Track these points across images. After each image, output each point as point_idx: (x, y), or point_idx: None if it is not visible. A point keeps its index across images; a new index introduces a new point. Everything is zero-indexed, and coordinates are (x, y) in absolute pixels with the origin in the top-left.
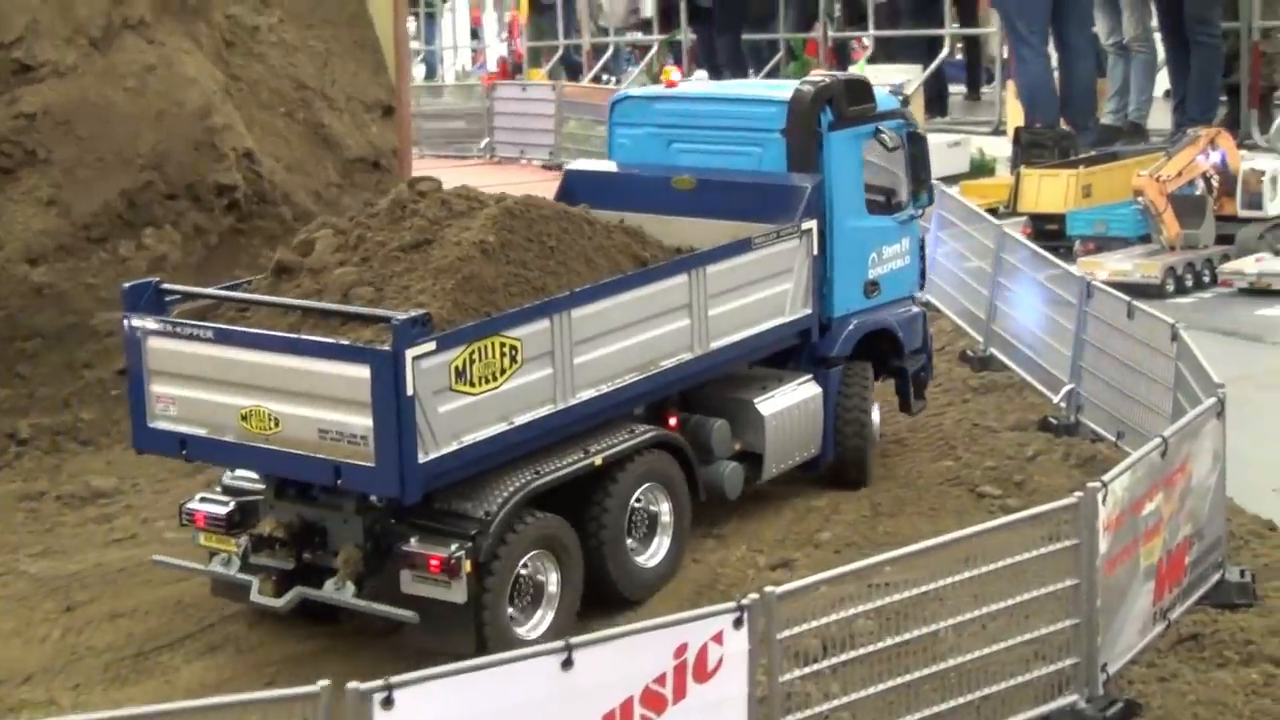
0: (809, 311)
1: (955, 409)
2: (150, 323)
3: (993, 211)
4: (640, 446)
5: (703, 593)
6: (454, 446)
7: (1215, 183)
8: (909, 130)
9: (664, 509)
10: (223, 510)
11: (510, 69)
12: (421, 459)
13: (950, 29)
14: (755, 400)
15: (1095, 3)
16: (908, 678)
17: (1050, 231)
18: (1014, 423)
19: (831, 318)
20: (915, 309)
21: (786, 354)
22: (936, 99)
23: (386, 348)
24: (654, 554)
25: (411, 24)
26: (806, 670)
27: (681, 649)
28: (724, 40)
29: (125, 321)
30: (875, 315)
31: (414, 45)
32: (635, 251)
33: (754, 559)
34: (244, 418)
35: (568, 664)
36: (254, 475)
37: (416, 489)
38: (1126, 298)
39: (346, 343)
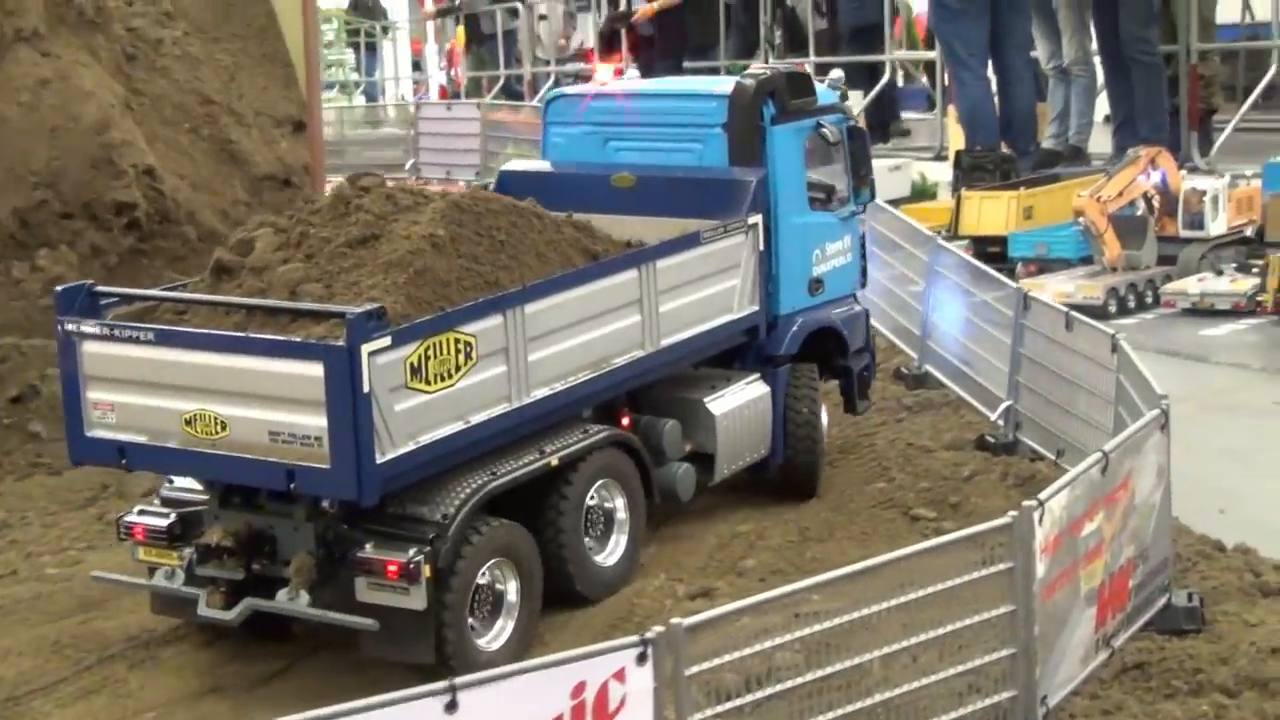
0: (756, 308)
1: (889, 429)
2: (86, 326)
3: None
4: (595, 446)
5: (617, 625)
6: (410, 447)
7: (1156, 203)
8: (849, 125)
9: (619, 505)
10: (163, 522)
11: (451, 98)
12: (379, 459)
13: (891, 55)
14: (705, 400)
15: (1034, 27)
16: (834, 714)
17: (992, 254)
18: (950, 442)
19: (778, 315)
20: (858, 307)
21: (731, 354)
22: (879, 126)
23: (340, 343)
24: (612, 552)
25: (351, 55)
26: (720, 709)
27: (579, 688)
28: (665, 68)
29: (59, 326)
30: (820, 313)
31: (354, 76)
32: (586, 246)
33: (673, 588)
34: (188, 422)
35: (451, 706)
36: (195, 485)
37: (374, 491)
38: (1065, 308)
39: (298, 339)
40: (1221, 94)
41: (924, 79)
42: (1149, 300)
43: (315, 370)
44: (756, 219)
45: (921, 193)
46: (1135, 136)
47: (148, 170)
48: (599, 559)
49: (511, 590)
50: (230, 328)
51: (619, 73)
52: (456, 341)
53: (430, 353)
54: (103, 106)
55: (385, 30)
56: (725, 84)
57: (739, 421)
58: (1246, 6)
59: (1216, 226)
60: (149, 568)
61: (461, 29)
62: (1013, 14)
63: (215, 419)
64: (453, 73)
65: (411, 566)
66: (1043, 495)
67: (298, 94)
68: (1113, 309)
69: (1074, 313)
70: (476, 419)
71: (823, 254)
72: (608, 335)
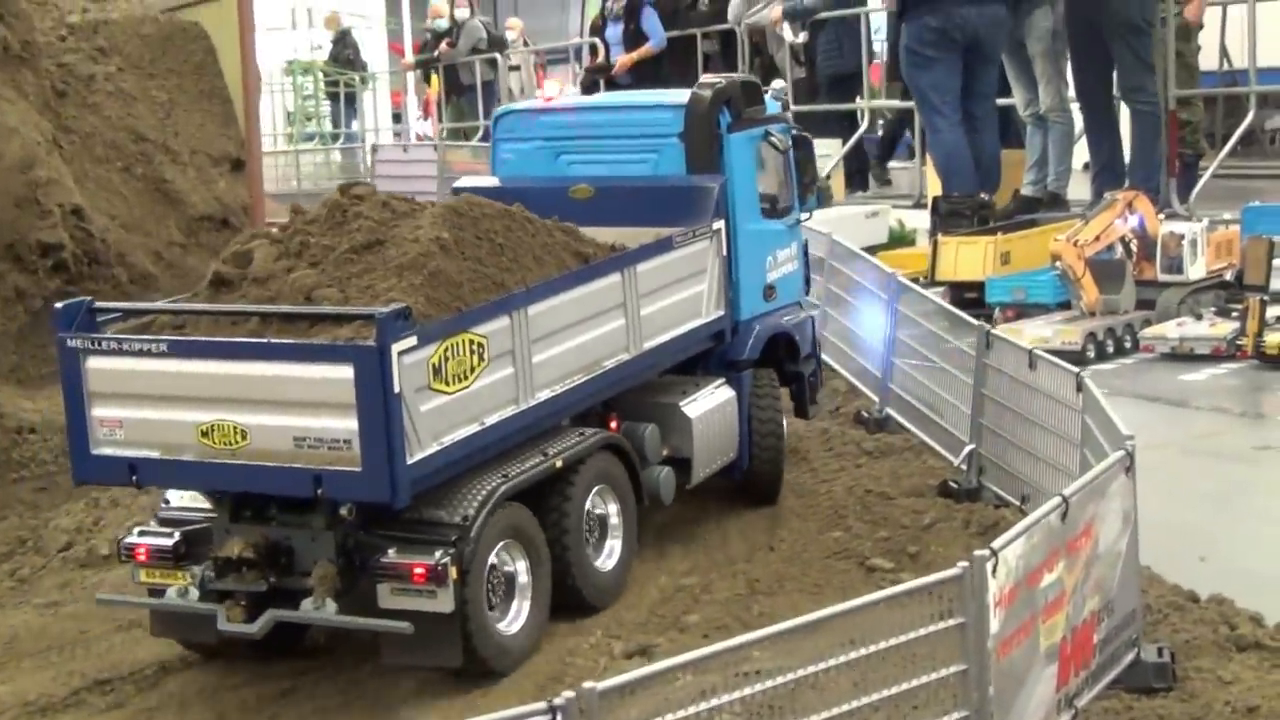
0: (722, 313)
1: (847, 475)
2: (92, 341)
3: (913, 282)
4: (593, 448)
5: (547, 687)
6: (435, 448)
7: (1134, 247)
8: (795, 133)
9: (612, 511)
10: (169, 541)
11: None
12: (409, 460)
13: (867, 103)
14: (680, 404)
15: (1010, 74)
16: None
17: (970, 300)
18: (910, 488)
19: (739, 320)
20: (804, 314)
21: (694, 360)
22: (857, 173)
23: (371, 343)
24: (609, 557)
25: (328, 106)
26: None
27: None
28: None
29: (61, 343)
30: (774, 319)
31: (329, 129)
32: (577, 249)
33: (609, 646)
34: (205, 434)
35: None
36: (194, 502)
37: (406, 492)
38: (1028, 346)
39: (326, 342)
40: (1205, 139)
41: (906, 133)
42: (1128, 345)
43: (345, 372)
44: (720, 225)
45: (900, 239)
46: (1115, 182)
47: (75, 210)
48: (598, 564)
49: (521, 570)
50: (243, 336)
51: (549, 98)
52: (471, 342)
53: (449, 353)
54: (28, 144)
55: (365, 82)
56: (677, 95)
57: (712, 426)
58: (1224, 54)
59: (1195, 270)
60: (149, 589)
61: (437, 80)
62: (981, 62)
63: (235, 428)
64: (432, 123)
65: (439, 569)
66: (996, 544)
67: (236, 131)
68: (1091, 354)
69: (1037, 351)
70: (490, 420)
71: (774, 261)
72: (598, 338)
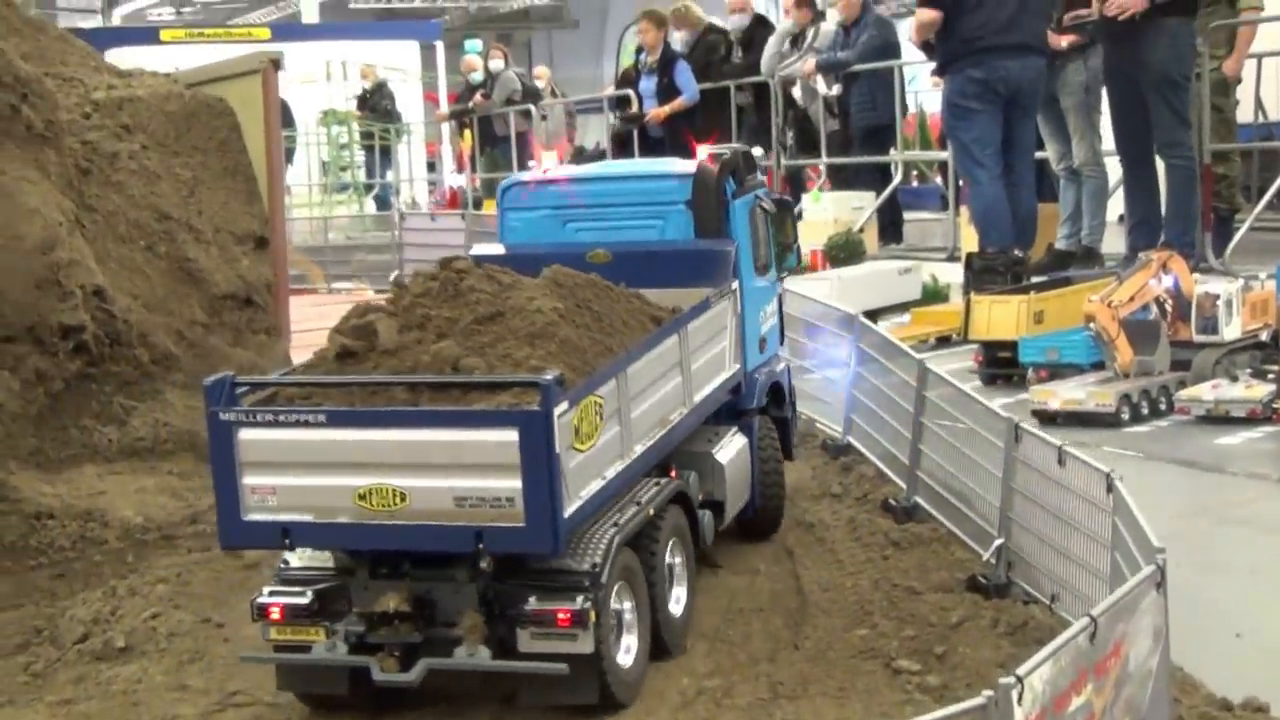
0: (738, 366)
1: (874, 567)
2: (246, 415)
3: (945, 339)
4: (669, 496)
5: None
6: (578, 503)
7: (1169, 307)
8: (777, 198)
9: (679, 559)
10: (304, 600)
11: (464, 201)
12: (565, 514)
13: (900, 155)
14: (712, 451)
15: (1043, 128)
16: None
17: (1002, 359)
18: (938, 583)
19: (747, 372)
20: (783, 364)
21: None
22: (890, 226)
23: (536, 408)
24: (678, 602)
25: (362, 156)
26: None
27: None
28: None
29: (213, 416)
30: (768, 369)
31: (363, 179)
32: (650, 312)
33: None
34: (362, 497)
35: None
36: (315, 562)
37: (562, 544)
38: (1057, 443)
39: (492, 409)
40: (1241, 194)
41: (938, 178)
42: (1162, 407)
43: (510, 436)
44: (735, 284)
45: (933, 295)
46: (1151, 237)
47: (97, 290)
48: (671, 607)
49: (628, 610)
50: (383, 404)
51: (545, 170)
52: (595, 404)
53: (583, 415)
54: (49, 225)
55: (399, 134)
56: (679, 164)
57: (737, 470)
58: (1259, 106)
59: (1230, 331)
60: (275, 646)
61: (469, 132)
62: (1021, 116)
63: (393, 491)
64: (467, 175)
65: (582, 614)
66: (1021, 670)
67: (260, 209)
68: (1125, 416)
69: (1067, 447)
70: (609, 475)
71: (765, 315)
72: (667, 394)
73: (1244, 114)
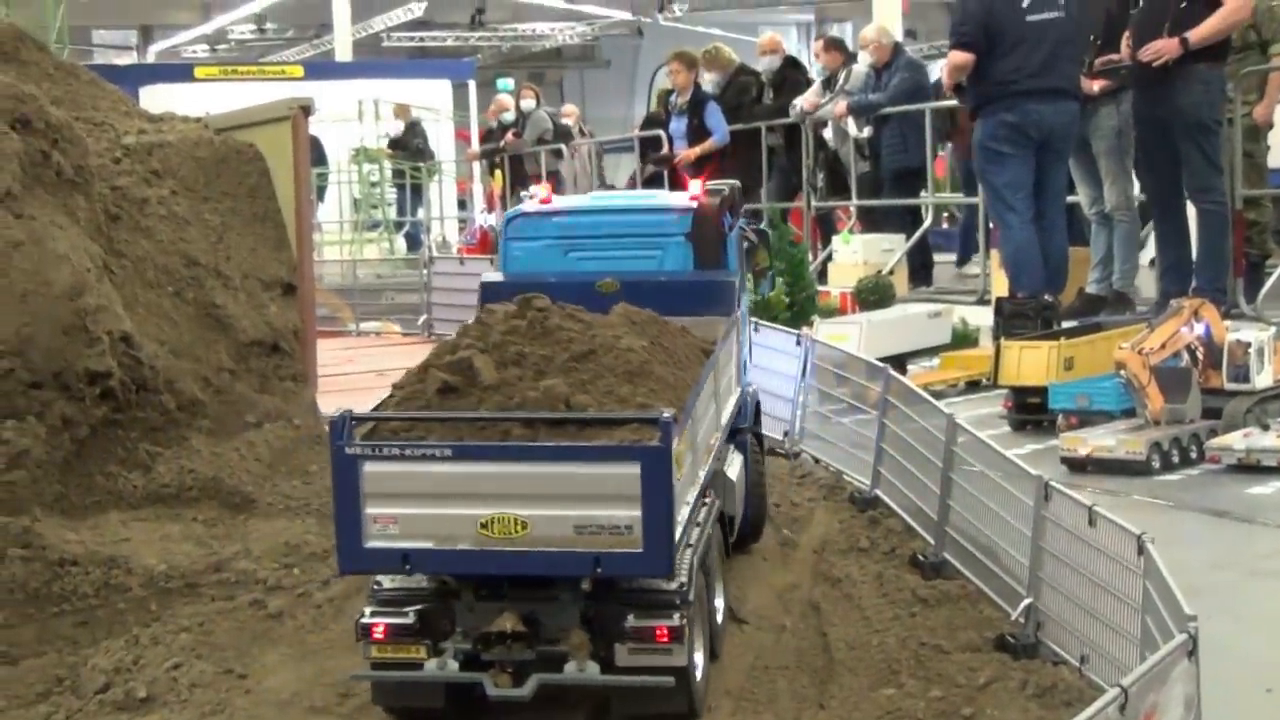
0: (739, 388)
1: (901, 624)
2: (372, 449)
3: (974, 384)
4: (716, 516)
5: None
6: (680, 528)
7: (1200, 355)
8: (755, 228)
9: (718, 575)
10: (407, 620)
11: (495, 241)
12: (677, 539)
13: (931, 198)
14: (724, 469)
15: (1075, 172)
16: None
17: (1032, 405)
18: (966, 642)
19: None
20: (753, 384)
21: None
22: (920, 268)
23: (656, 444)
24: (719, 614)
25: (394, 193)
26: None
27: None
28: None
29: (338, 451)
30: (752, 388)
31: (394, 216)
32: (700, 345)
33: None
34: (484, 526)
35: None
36: (407, 583)
37: (674, 567)
38: (1088, 503)
39: (614, 444)
40: (1273, 239)
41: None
42: (1193, 455)
43: (632, 469)
44: (739, 312)
45: (963, 339)
46: (1181, 283)
47: (124, 336)
48: (718, 620)
49: (699, 624)
50: (495, 438)
51: (546, 200)
52: (685, 434)
53: (681, 446)
54: (77, 271)
55: (430, 172)
56: (674, 198)
57: (740, 486)
58: None
59: (1262, 379)
60: (373, 664)
61: (500, 172)
62: (1053, 160)
63: (515, 520)
64: (494, 215)
65: (679, 629)
66: None
67: (289, 255)
68: (1156, 464)
69: (1097, 508)
70: (689, 500)
71: (747, 337)
72: (709, 420)
73: (1275, 159)
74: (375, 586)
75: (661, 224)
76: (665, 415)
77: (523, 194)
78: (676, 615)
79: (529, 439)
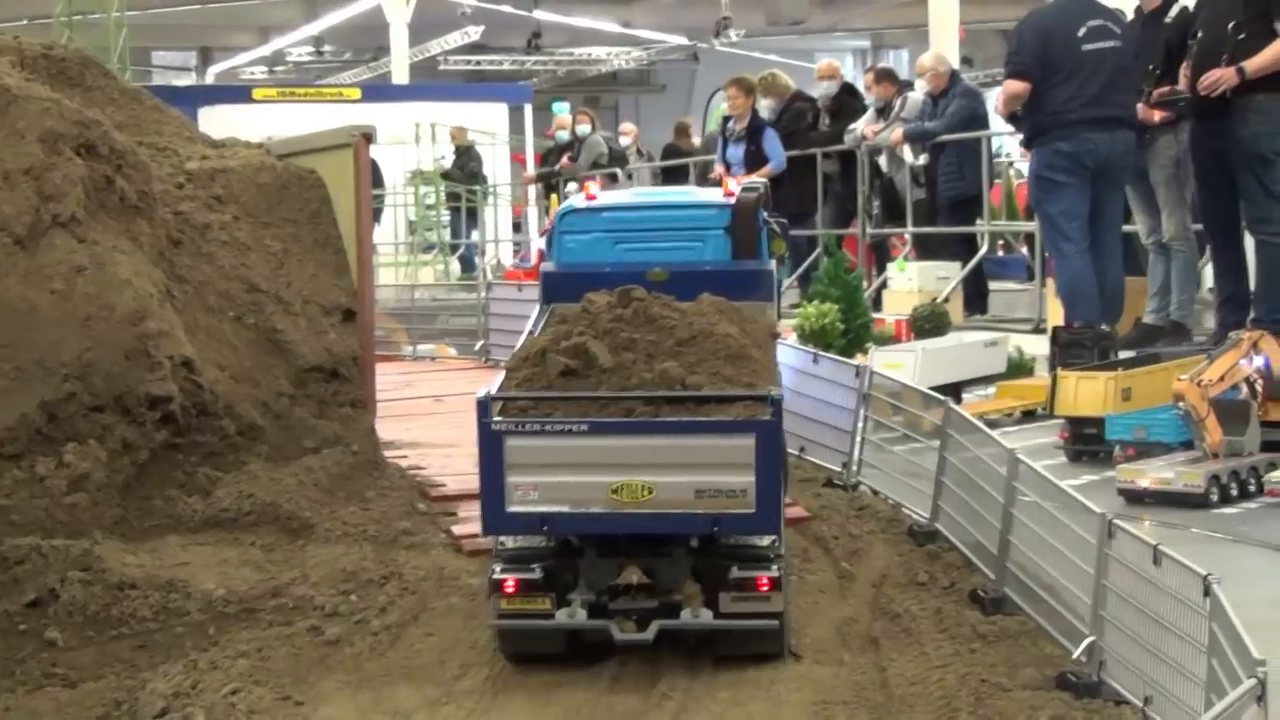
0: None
1: (961, 661)
2: (516, 425)
3: (1030, 414)
4: None
5: None
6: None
7: (1259, 387)
8: (778, 220)
9: None
10: (535, 575)
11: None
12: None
13: (988, 225)
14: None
15: (1132, 202)
16: None
17: (1088, 435)
18: (1027, 680)
19: None
20: None
21: None
22: (976, 296)
23: (768, 418)
24: None
25: (448, 216)
26: None
27: None
28: None
29: (485, 427)
30: None
31: (449, 239)
32: (765, 328)
33: None
34: (615, 491)
35: None
36: (528, 542)
37: (780, 526)
38: (1153, 541)
39: (731, 419)
40: None
41: (1024, 249)
42: (1252, 488)
43: (747, 441)
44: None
45: (1018, 368)
46: (1239, 314)
47: (185, 361)
48: None
49: None
50: (620, 413)
51: (592, 197)
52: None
53: None
54: (140, 295)
55: (485, 195)
56: (711, 194)
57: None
58: None
59: None
60: (501, 614)
61: (556, 195)
62: (1109, 189)
63: (642, 486)
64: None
65: (778, 579)
66: None
67: (349, 281)
68: (1214, 497)
69: (1162, 547)
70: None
71: None
72: None
73: None
74: (499, 546)
75: (702, 218)
76: (775, 393)
77: (567, 191)
78: (774, 567)
79: (651, 415)
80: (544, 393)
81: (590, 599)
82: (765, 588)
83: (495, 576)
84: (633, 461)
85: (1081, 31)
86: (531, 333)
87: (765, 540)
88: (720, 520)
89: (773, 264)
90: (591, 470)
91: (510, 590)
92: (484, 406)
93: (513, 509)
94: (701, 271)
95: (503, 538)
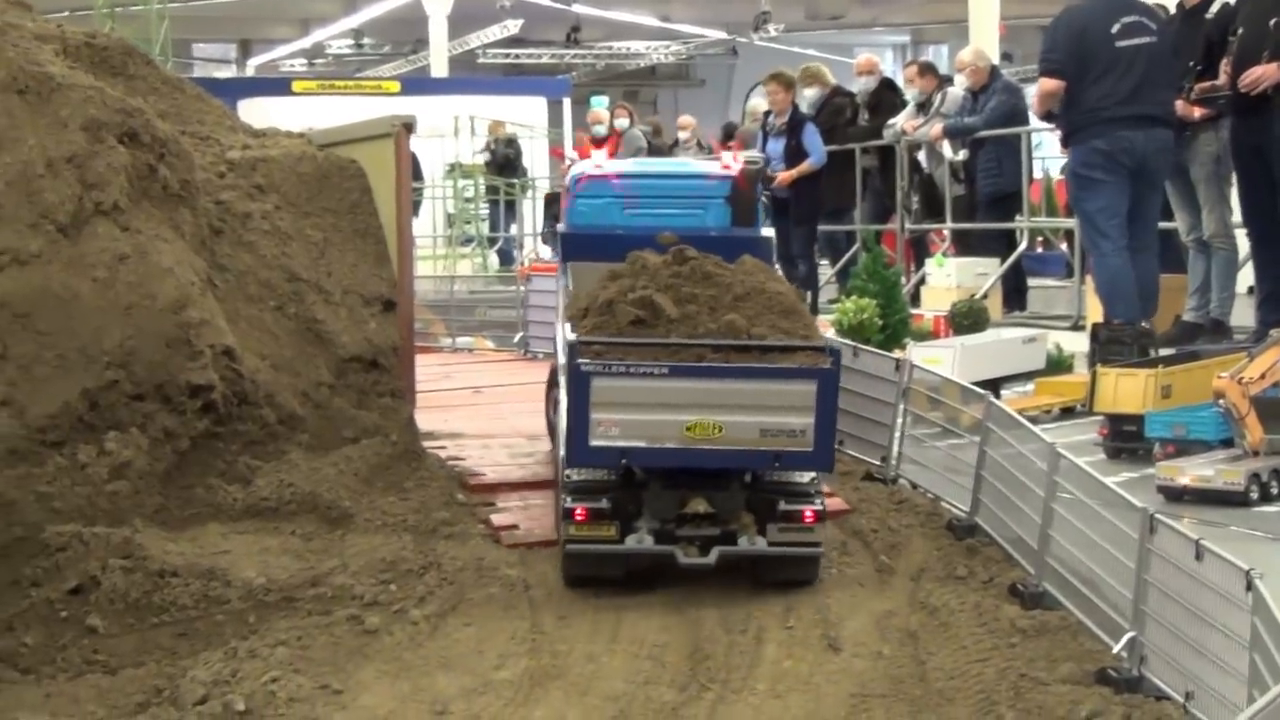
0: None
1: (1000, 655)
2: (604, 367)
3: (1069, 410)
4: None
5: None
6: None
7: None
8: (767, 192)
9: None
10: (603, 505)
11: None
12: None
13: (1027, 222)
14: None
15: (1172, 199)
16: None
17: (1128, 433)
18: (1066, 675)
19: None
20: None
21: None
22: (1015, 292)
23: (829, 366)
24: None
25: (487, 209)
26: None
27: None
28: (800, 231)
29: (576, 367)
30: None
31: (487, 231)
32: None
33: None
34: (688, 429)
35: None
36: (593, 475)
37: (834, 464)
38: (1195, 536)
39: (795, 366)
40: None
41: (1063, 245)
42: None
43: (809, 386)
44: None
45: (1057, 364)
46: (1279, 311)
47: (226, 350)
48: None
49: None
50: (693, 358)
51: (598, 165)
52: None
53: None
54: (181, 284)
55: (524, 189)
56: (711, 165)
57: None
58: None
59: None
60: (570, 540)
61: None
62: (1147, 187)
63: (713, 424)
64: None
65: (822, 512)
66: None
67: (389, 272)
68: (1255, 495)
69: (1205, 542)
70: None
71: None
72: None
73: None
74: (566, 477)
75: (704, 188)
76: (834, 344)
77: (569, 158)
78: (818, 501)
79: (720, 361)
80: (629, 338)
81: (655, 527)
82: (811, 519)
83: (566, 505)
84: (705, 402)
85: (1115, 28)
86: (567, 287)
87: (805, 478)
88: (781, 457)
89: (770, 232)
90: (668, 409)
91: (580, 518)
92: (573, 350)
93: (595, 443)
94: (706, 237)
95: (569, 470)
